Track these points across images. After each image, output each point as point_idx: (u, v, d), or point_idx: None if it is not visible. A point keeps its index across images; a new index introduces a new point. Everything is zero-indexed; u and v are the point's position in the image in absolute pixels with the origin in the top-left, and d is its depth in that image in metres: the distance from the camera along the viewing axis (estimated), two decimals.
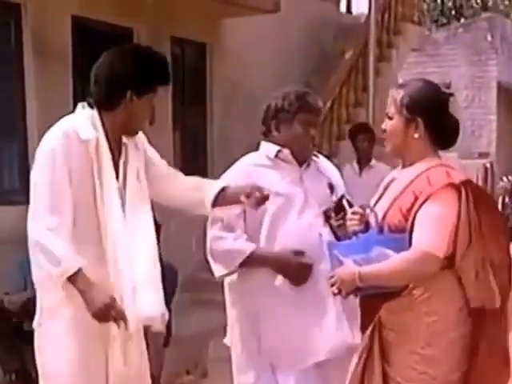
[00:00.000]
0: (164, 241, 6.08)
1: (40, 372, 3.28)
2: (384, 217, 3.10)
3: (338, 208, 3.51)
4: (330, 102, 10.90)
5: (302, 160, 3.66)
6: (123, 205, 3.20)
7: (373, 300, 3.11)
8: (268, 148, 3.64)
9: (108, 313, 3.08)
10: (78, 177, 3.13)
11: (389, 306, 3.08)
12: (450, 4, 24.96)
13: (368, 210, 3.19)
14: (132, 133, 3.30)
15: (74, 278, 3.05)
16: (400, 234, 3.03)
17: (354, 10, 14.74)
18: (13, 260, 5.84)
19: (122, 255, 3.15)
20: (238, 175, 3.60)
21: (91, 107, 3.26)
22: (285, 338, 3.53)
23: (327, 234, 3.54)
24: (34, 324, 3.26)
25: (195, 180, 3.48)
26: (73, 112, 3.32)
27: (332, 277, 3.09)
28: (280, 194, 3.53)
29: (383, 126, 3.23)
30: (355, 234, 3.17)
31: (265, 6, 9.66)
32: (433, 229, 2.98)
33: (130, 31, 8.61)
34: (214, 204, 3.37)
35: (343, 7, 14.35)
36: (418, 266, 2.99)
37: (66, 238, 3.07)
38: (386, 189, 3.26)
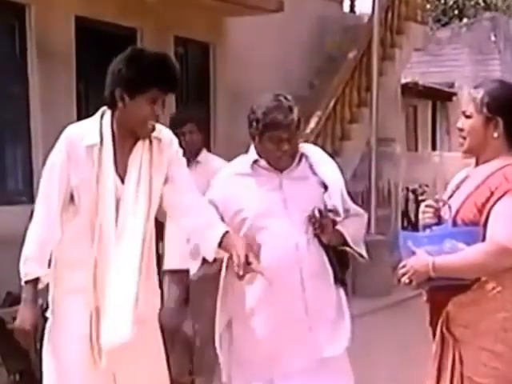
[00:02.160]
0: None
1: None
2: (457, 212, 3.11)
3: (314, 217, 3.41)
4: (334, 102, 10.90)
5: (282, 167, 3.50)
6: (117, 210, 3.18)
7: (442, 294, 3.11)
8: (249, 155, 3.55)
9: (28, 333, 3.15)
10: (80, 182, 3.16)
11: (458, 300, 3.07)
12: (451, 2, 24.94)
13: (441, 204, 3.21)
14: (136, 134, 3.21)
15: (27, 284, 3.22)
16: (473, 227, 3.04)
17: (358, 10, 14.77)
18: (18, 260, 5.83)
19: (109, 264, 3.15)
20: (218, 188, 3.54)
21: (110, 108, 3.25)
22: (254, 347, 3.46)
23: (305, 244, 3.42)
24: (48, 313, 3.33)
25: (202, 222, 3.32)
26: (78, 113, 3.32)
27: (403, 266, 3.08)
28: (257, 202, 3.44)
29: (459, 125, 3.20)
30: (428, 226, 3.19)
31: (268, 5, 9.67)
32: (509, 223, 2.98)
33: (133, 31, 8.61)
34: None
35: (346, 7, 14.37)
36: (492, 259, 2.98)
37: (45, 238, 3.18)
38: (458, 186, 3.26)
